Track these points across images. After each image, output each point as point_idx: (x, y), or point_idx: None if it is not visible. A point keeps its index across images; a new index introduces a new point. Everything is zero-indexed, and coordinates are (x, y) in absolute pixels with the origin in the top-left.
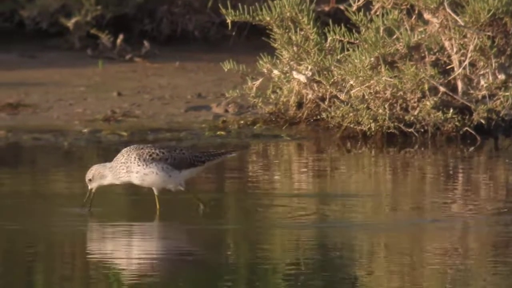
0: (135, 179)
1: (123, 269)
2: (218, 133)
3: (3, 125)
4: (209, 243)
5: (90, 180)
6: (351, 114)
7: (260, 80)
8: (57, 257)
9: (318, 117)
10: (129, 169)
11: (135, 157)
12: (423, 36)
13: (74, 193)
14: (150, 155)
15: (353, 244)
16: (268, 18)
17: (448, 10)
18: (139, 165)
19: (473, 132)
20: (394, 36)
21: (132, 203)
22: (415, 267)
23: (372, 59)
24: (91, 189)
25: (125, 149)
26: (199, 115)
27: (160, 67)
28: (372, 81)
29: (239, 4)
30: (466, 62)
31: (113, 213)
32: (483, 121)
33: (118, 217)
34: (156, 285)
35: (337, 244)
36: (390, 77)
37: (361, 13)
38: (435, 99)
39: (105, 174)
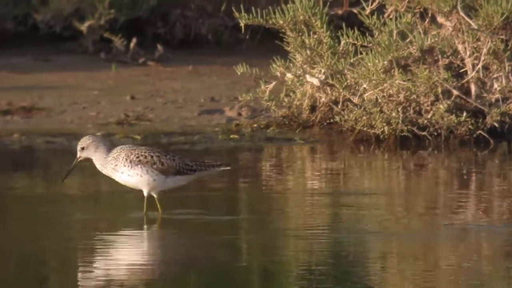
0: (119, 178)
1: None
2: (232, 136)
3: (17, 128)
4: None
5: (82, 148)
6: (364, 117)
7: (274, 83)
8: (60, 262)
9: (332, 120)
10: (116, 167)
11: (123, 157)
12: (436, 39)
13: (87, 198)
14: (137, 157)
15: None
16: (281, 22)
17: (461, 13)
18: (124, 166)
19: (486, 136)
20: (408, 40)
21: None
22: (428, 273)
23: (385, 62)
24: (79, 157)
25: (121, 146)
26: (212, 119)
27: (173, 70)
28: (385, 85)
29: (252, 8)
30: (480, 66)
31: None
32: (496, 125)
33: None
34: None
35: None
36: (404, 81)
37: (374, 17)
38: (448, 102)
39: (98, 151)
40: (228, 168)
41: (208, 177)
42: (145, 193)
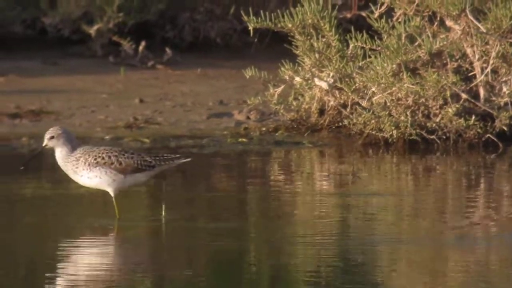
0: (79, 180)
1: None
2: (240, 140)
3: (26, 132)
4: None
5: (51, 137)
6: (373, 121)
7: (282, 87)
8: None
9: (340, 124)
10: (76, 170)
11: (82, 160)
12: (445, 43)
13: (94, 201)
14: (95, 159)
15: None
16: (290, 25)
17: (470, 17)
18: (83, 169)
19: (495, 139)
20: (416, 43)
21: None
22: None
23: (394, 66)
24: (45, 145)
25: (83, 147)
26: (221, 122)
27: (182, 74)
28: (394, 88)
29: (261, 11)
30: (488, 69)
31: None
32: (505, 128)
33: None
34: None
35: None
36: (412, 84)
37: (383, 20)
38: (457, 106)
39: (66, 145)
40: (188, 160)
41: (168, 170)
42: (112, 194)
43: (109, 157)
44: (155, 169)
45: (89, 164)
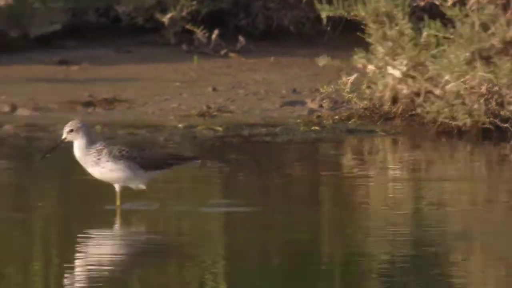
0: (97, 172)
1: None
2: (313, 128)
3: (99, 120)
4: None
5: (71, 131)
6: (446, 109)
7: (355, 75)
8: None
9: (413, 112)
10: (98, 161)
11: (106, 152)
12: None
13: (170, 189)
14: (120, 152)
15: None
16: (363, 13)
17: None
18: (108, 161)
19: None
20: (490, 31)
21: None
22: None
23: (467, 54)
24: (64, 139)
25: (103, 141)
26: (294, 110)
27: (255, 62)
28: (467, 76)
29: None
30: None
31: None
32: None
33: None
34: None
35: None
36: (486, 72)
37: (457, 8)
38: None
39: (84, 138)
40: (200, 161)
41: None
42: (117, 188)
43: (133, 151)
44: (172, 167)
45: (114, 156)
